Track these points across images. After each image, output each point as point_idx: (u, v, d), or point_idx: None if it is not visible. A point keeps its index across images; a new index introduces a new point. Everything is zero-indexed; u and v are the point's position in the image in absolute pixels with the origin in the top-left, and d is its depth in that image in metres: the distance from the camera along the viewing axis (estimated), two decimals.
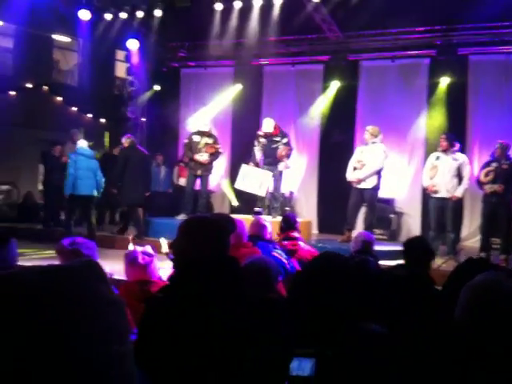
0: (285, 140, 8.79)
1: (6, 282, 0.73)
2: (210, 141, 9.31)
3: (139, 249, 3.13)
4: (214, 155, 9.33)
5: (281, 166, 8.78)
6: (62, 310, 0.71)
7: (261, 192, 8.27)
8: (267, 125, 8.80)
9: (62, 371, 0.69)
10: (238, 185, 8.66)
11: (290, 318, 2.82)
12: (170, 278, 2.23)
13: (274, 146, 8.75)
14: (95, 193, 8.66)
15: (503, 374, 1.45)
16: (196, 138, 9.34)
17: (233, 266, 2.21)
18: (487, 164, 7.95)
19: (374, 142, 8.29)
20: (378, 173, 8.24)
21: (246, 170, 8.78)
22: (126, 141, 9.74)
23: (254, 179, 8.57)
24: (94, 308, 0.74)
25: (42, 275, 0.74)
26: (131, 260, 3.01)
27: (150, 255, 3.09)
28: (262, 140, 8.83)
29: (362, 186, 8.21)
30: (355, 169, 8.30)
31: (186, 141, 9.56)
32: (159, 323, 1.98)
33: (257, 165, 8.87)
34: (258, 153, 8.91)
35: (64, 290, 0.73)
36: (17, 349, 0.68)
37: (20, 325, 0.69)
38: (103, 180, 8.84)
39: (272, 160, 8.78)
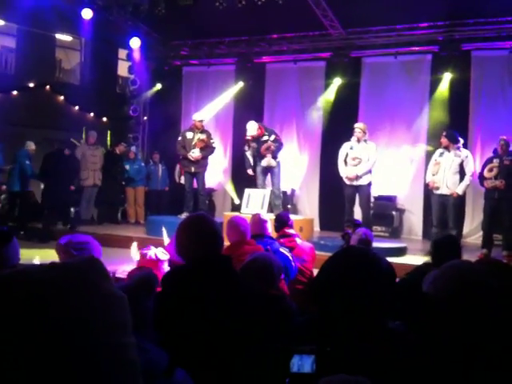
0: (272, 137, 8.83)
1: (11, 281, 0.74)
2: (202, 136, 9.29)
3: (154, 250, 3.40)
4: (206, 150, 9.28)
5: (264, 162, 8.78)
6: (67, 306, 0.73)
7: (263, 211, 8.31)
8: (251, 128, 8.81)
9: (69, 365, 0.71)
10: (244, 210, 8.64)
11: (291, 314, 2.83)
12: (162, 278, 2.26)
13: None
14: (15, 188, 9.85)
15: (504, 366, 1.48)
16: (189, 135, 9.33)
17: (225, 264, 2.23)
18: (490, 160, 7.94)
19: (365, 140, 8.45)
20: (370, 170, 8.41)
21: (248, 193, 8.86)
22: None
23: (256, 200, 8.66)
24: (98, 303, 0.76)
25: (45, 273, 0.76)
26: (145, 255, 3.23)
27: (166, 254, 3.38)
28: (252, 144, 8.87)
29: (359, 182, 8.31)
30: (346, 165, 8.38)
31: (180, 138, 9.52)
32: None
33: (250, 168, 8.97)
34: (249, 157, 8.98)
35: (68, 287, 0.75)
36: (24, 345, 0.69)
37: (26, 322, 0.70)
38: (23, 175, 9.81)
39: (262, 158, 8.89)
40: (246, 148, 8.99)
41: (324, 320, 1.75)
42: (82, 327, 0.73)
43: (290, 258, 4.16)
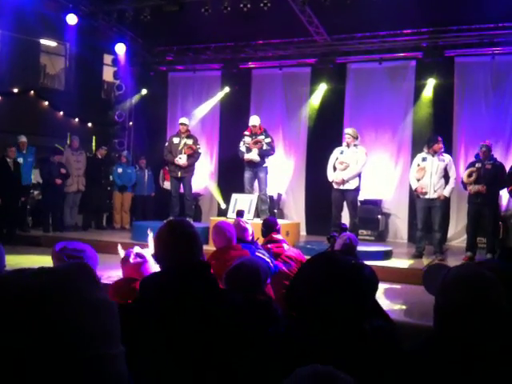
0: (268, 140, 8.92)
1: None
2: (189, 141, 9.33)
3: (136, 250, 3.21)
4: (193, 156, 9.33)
5: (248, 155, 8.84)
6: (53, 311, 0.71)
7: (249, 216, 8.31)
8: (254, 119, 9.07)
9: (54, 373, 0.69)
10: (230, 215, 8.62)
11: (278, 319, 2.84)
12: (140, 284, 2.24)
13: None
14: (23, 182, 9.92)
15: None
16: (176, 141, 9.36)
17: (203, 270, 2.21)
18: (471, 165, 8.04)
19: (355, 145, 8.43)
20: (359, 174, 8.40)
21: (235, 198, 8.90)
22: None
23: (243, 205, 8.65)
24: (85, 310, 0.73)
25: (32, 278, 0.74)
26: (124, 259, 3.12)
27: (141, 257, 3.17)
28: (247, 139, 8.96)
29: (345, 187, 8.32)
30: (335, 169, 8.40)
31: (167, 144, 9.59)
32: (131, 330, 1.99)
33: (243, 158, 8.99)
34: (242, 148, 9.01)
35: (55, 292, 0.73)
36: (9, 350, 0.68)
37: (11, 327, 0.69)
38: None
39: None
40: (241, 144, 9.04)
41: (302, 324, 1.76)
42: (69, 336, 0.71)
43: (268, 259, 4.17)
